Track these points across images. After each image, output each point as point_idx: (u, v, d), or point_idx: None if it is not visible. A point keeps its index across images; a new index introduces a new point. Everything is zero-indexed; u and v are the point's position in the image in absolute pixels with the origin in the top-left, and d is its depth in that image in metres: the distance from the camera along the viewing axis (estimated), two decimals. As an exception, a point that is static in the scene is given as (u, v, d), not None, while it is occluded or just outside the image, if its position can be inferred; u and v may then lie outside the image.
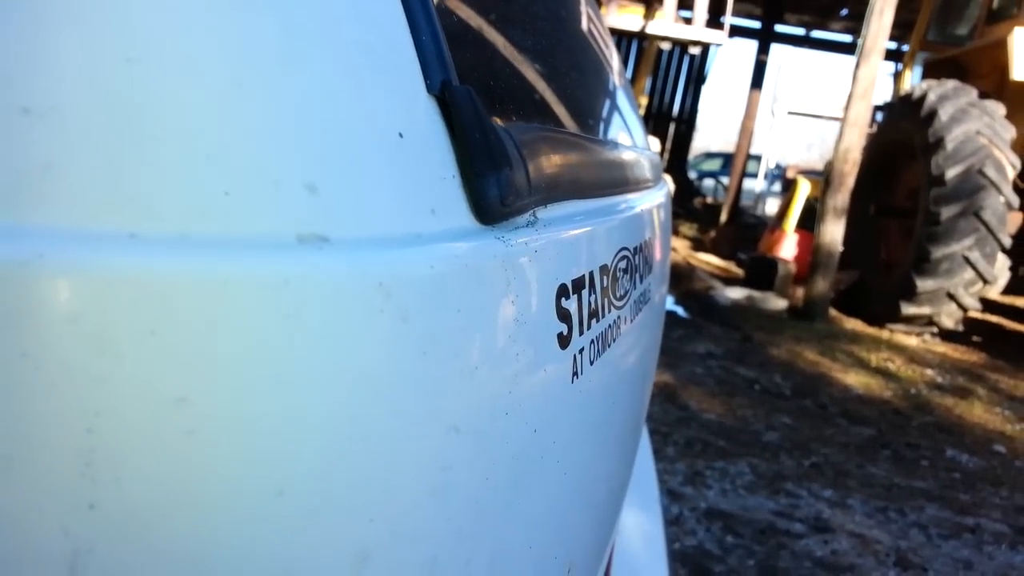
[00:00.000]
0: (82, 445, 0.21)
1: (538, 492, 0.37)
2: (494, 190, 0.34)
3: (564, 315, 0.40)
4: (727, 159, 17.66)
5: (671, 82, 14.83)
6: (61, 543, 0.21)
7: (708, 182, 17.18)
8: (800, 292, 6.88)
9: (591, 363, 0.44)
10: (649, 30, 8.00)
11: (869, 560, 2.78)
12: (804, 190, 8.08)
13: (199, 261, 0.23)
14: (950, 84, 6.43)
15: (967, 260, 5.95)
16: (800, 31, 16.24)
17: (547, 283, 0.38)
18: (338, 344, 0.25)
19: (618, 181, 0.58)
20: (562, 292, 0.40)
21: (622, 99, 0.88)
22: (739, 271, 8.65)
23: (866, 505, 3.24)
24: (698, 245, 10.55)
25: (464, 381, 0.30)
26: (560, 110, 0.54)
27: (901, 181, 7.20)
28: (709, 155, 20.67)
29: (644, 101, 11.85)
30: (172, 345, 0.22)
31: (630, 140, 0.81)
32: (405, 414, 0.28)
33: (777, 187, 15.78)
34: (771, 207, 13.65)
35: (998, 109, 6.17)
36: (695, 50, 8.79)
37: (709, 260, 9.48)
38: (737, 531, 2.95)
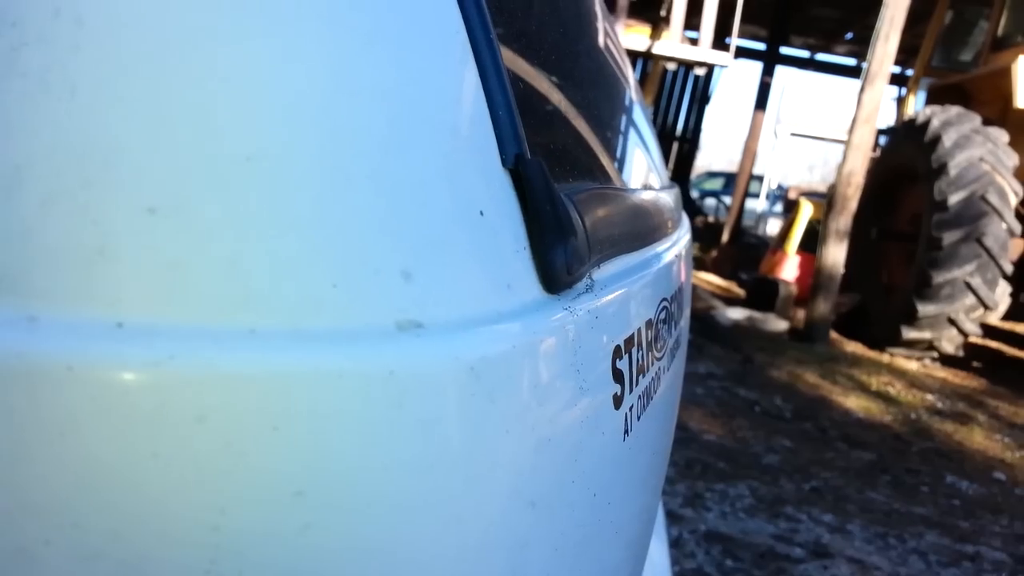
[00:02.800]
0: (208, 542, 0.22)
1: (595, 554, 0.38)
2: (561, 259, 0.35)
3: (618, 376, 0.41)
4: (729, 178, 17.70)
5: (675, 102, 14.88)
6: None
7: (710, 201, 17.20)
8: (801, 314, 6.89)
9: (638, 418, 0.45)
10: (655, 50, 8.04)
11: (870, 588, 2.77)
12: (807, 212, 8.10)
13: (313, 355, 0.24)
14: (954, 110, 6.47)
15: (968, 286, 5.97)
16: (805, 53, 16.33)
17: (605, 347, 0.39)
18: (436, 430, 0.26)
19: (655, 229, 0.59)
20: (616, 353, 0.40)
21: (648, 136, 0.89)
22: (740, 291, 8.66)
23: (866, 531, 3.23)
24: (699, 264, 10.56)
25: (539, 455, 0.31)
26: (600, 160, 0.54)
27: (903, 205, 7.23)
28: (711, 174, 20.69)
29: (648, 119, 11.86)
30: (291, 440, 0.23)
31: (658, 180, 0.82)
32: (493, 494, 0.28)
33: (779, 207, 15.83)
34: (772, 227, 13.68)
35: (1001, 136, 6.21)
36: (700, 71, 8.84)
37: (710, 279, 9.49)
38: (736, 554, 2.94)
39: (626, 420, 0.42)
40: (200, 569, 0.22)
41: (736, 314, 7.19)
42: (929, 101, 7.97)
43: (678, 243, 0.69)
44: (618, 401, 0.40)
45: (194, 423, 0.22)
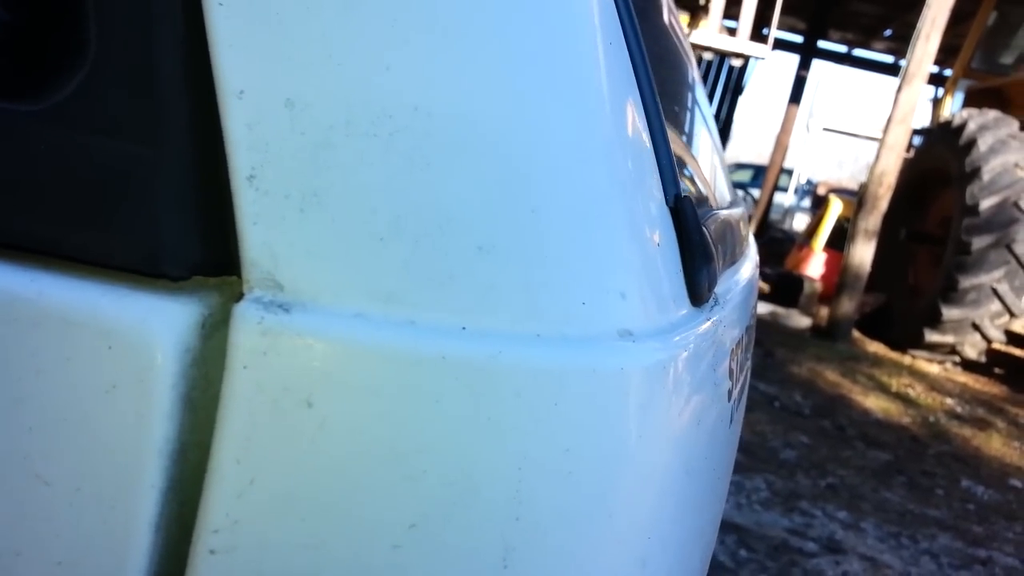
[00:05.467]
0: (513, 477, 0.32)
1: (713, 516, 0.48)
2: (705, 279, 0.44)
3: (731, 373, 0.50)
4: (757, 171, 17.57)
5: (708, 92, 14.73)
6: None
7: (737, 193, 17.08)
8: (824, 312, 6.91)
9: (736, 407, 0.54)
10: (693, 40, 8.02)
11: (881, 583, 2.84)
12: (836, 209, 8.09)
13: (575, 355, 0.33)
14: (991, 114, 6.42)
15: (995, 292, 5.97)
16: (842, 48, 16.11)
17: (726, 349, 0.48)
18: (648, 412, 0.35)
19: (743, 240, 0.68)
20: (732, 355, 0.50)
21: (720, 151, 0.97)
22: (764, 286, 8.68)
23: (879, 529, 3.29)
24: (723, 255, 10.54)
25: (696, 432, 0.40)
26: (707, 182, 0.63)
27: (934, 208, 7.20)
28: (740, 166, 20.55)
29: (680, 108, 11.78)
30: (568, 413, 0.32)
31: (730, 195, 0.90)
32: (670, 463, 0.38)
33: (806, 203, 15.73)
34: (799, 223, 13.60)
35: (1038, 143, 6.16)
36: (736, 62, 8.79)
37: (734, 271, 9.49)
38: (751, 545, 3.01)
39: (732, 410, 0.51)
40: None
41: (759, 308, 7.21)
42: (966, 103, 7.89)
43: (754, 249, 0.78)
44: (729, 395, 0.50)
45: (513, 397, 0.31)
